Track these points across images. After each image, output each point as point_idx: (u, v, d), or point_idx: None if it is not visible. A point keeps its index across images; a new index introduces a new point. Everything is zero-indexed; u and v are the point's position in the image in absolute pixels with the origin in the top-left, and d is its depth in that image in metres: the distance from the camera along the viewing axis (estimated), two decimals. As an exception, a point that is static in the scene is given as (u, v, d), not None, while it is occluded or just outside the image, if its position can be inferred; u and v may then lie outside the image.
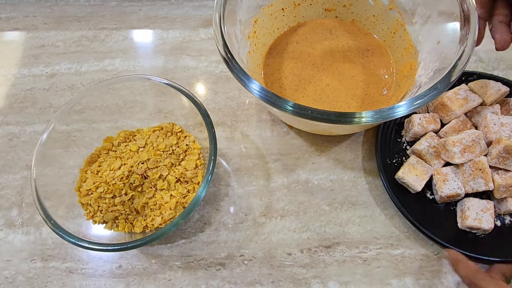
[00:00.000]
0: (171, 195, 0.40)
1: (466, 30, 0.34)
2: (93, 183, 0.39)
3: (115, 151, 0.43)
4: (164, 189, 0.40)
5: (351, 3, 0.49)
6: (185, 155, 0.42)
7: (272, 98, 0.33)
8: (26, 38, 0.57)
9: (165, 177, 0.40)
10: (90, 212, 0.39)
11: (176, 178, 0.40)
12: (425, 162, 0.43)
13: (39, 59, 0.55)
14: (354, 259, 0.41)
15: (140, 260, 0.41)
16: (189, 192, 0.40)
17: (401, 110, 0.32)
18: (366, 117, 0.32)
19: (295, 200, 0.44)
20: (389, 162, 0.44)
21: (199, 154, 0.42)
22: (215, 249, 0.42)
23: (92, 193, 0.39)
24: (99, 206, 0.38)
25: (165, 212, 0.39)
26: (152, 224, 0.38)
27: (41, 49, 0.56)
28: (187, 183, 0.41)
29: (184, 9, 0.60)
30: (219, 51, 0.36)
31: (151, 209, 0.39)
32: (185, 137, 0.44)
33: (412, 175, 0.41)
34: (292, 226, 0.43)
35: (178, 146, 0.42)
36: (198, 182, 0.40)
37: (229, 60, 0.35)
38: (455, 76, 0.33)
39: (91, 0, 0.61)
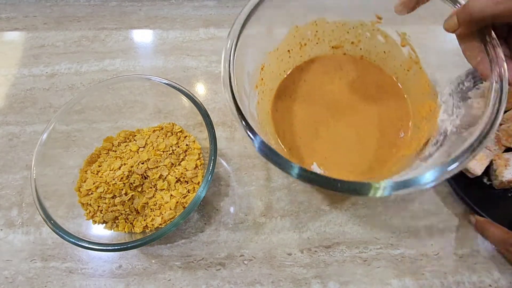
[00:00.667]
0: (171, 195, 0.40)
1: (494, 74, 0.30)
2: (93, 183, 0.39)
3: (115, 151, 0.43)
4: (164, 189, 0.40)
5: (360, 40, 0.46)
6: (185, 155, 0.42)
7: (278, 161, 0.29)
8: (26, 38, 0.57)
9: (165, 177, 0.40)
10: (90, 212, 0.39)
11: (176, 178, 0.40)
12: (485, 147, 0.43)
13: (39, 59, 0.55)
14: (354, 259, 0.41)
15: (140, 260, 0.41)
16: (189, 192, 0.40)
17: (428, 179, 0.28)
18: (385, 189, 0.28)
19: (295, 200, 0.44)
20: None
21: (199, 154, 0.42)
22: (215, 249, 0.42)
23: (92, 193, 0.39)
24: (99, 206, 0.38)
25: (165, 212, 0.39)
26: (152, 224, 0.38)
27: (41, 49, 0.56)
28: (187, 183, 0.41)
29: (184, 9, 0.60)
30: (234, 116, 0.32)
31: (151, 209, 0.39)
32: (185, 137, 0.44)
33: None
34: (292, 226, 0.43)
35: (178, 146, 0.42)
36: (198, 182, 0.40)
37: (246, 128, 0.31)
38: (491, 135, 0.29)
39: (91, 0, 0.61)
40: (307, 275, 0.40)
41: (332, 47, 0.47)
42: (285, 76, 0.47)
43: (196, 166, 0.41)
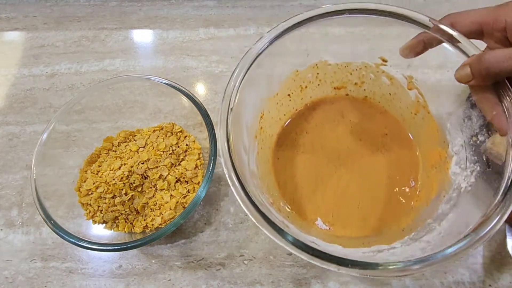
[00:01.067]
0: (171, 195, 0.40)
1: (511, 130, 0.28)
2: (93, 183, 0.39)
3: (115, 151, 0.43)
4: (164, 189, 0.40)
5: (363, 81, 0.43)
6: (185, 155, 0.42)
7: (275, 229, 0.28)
8: (26, 38, 0.57)
9: (165, 177, 0.40)
10: (90, 212, 0.39)
11: (176, 178, 0.40)
12: None
13: (39, 59, 0.55)
14: (354, 259, 0.41)
15: (140, 260, 0.41)
16: (189, 192, 0.40)
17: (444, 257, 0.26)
18: (394, 267, 0.26)
19: (295, 200, 0.44)
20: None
21: (199, 154, 0.42)
22: (215, 249, 0.42)
23: (92, 193, 0.39)
24: (99, 206, 0.38)
25: (165, 212, 0.39)
26: (152, 224, 0.39)
27: (41, 49, 0.56)
28: (187, 183, 0.41)
29: (184, 9, 0.60)
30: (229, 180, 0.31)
31: (151, 209, 0.39)
32: (185, 137, 0.44)
33: (502, 146, 0.36)
34: (292, 226, 0.43)
35: (178, 146, 0.42)
36: (198, 182, 0.40)
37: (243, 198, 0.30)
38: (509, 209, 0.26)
39: (91, 0, 0.61)
40: (307, 275, 0.40)
41: (334, 88, 0.45)
42: (285, 121, 0.44)
43: (196, 166, 0.41)
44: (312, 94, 0.45)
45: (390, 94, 0.43)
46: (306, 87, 0.44)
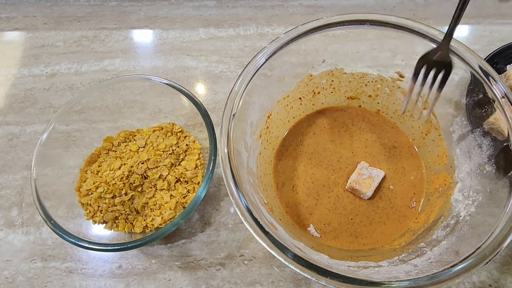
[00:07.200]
0: (171, 195, 0.40)
1: None
2: (93, 183, 0.39)
3: (115, 151, 0.43)
4: (164, 189, 0.40)
5: (377, 94, 0.43)
6: (185, 155, 0.42)
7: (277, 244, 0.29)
8: (26, 38, 0.57)
9: (165, 177, 0.40)
10: (90, 212, 0.39)
11: (176, 178, 0.40)
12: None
13: (39, 59, 0.55)
14: (354, 259, 0.41)
15: (140, 260, 0.41)
16: (189, 192, 0.40)
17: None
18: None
19: (295, 200, 0.44)
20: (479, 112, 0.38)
21: (199, 154, 0.42)
22: (215, 249, 0.42)
23: (92, 193, 0.39)
24: (99, 206, 0.38)
25: (165, 212, 0.39)
26: (152, 224, 0.39)
27: (41, 49, 0.56)
28: (187, 183, 0.41)
29: (184, 9, 0.60)
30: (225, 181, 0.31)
31: (151, 209, 0.39)
32: (185, 137, 0.44)
33: (503, 121, 0.36)
34: (292, 226, 0.43)
35: (178, 146, 0.42)
36: (198, 182, 0.40)
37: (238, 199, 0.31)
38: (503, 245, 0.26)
39: (91, 0, 0.61)
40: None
41: (348, 97, 0.44)
42: (294, 123, 0.44)
43: (196, 166, 0.41)
44: (324, 101, 0.44)
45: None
46: (318, 93, 0.43)
